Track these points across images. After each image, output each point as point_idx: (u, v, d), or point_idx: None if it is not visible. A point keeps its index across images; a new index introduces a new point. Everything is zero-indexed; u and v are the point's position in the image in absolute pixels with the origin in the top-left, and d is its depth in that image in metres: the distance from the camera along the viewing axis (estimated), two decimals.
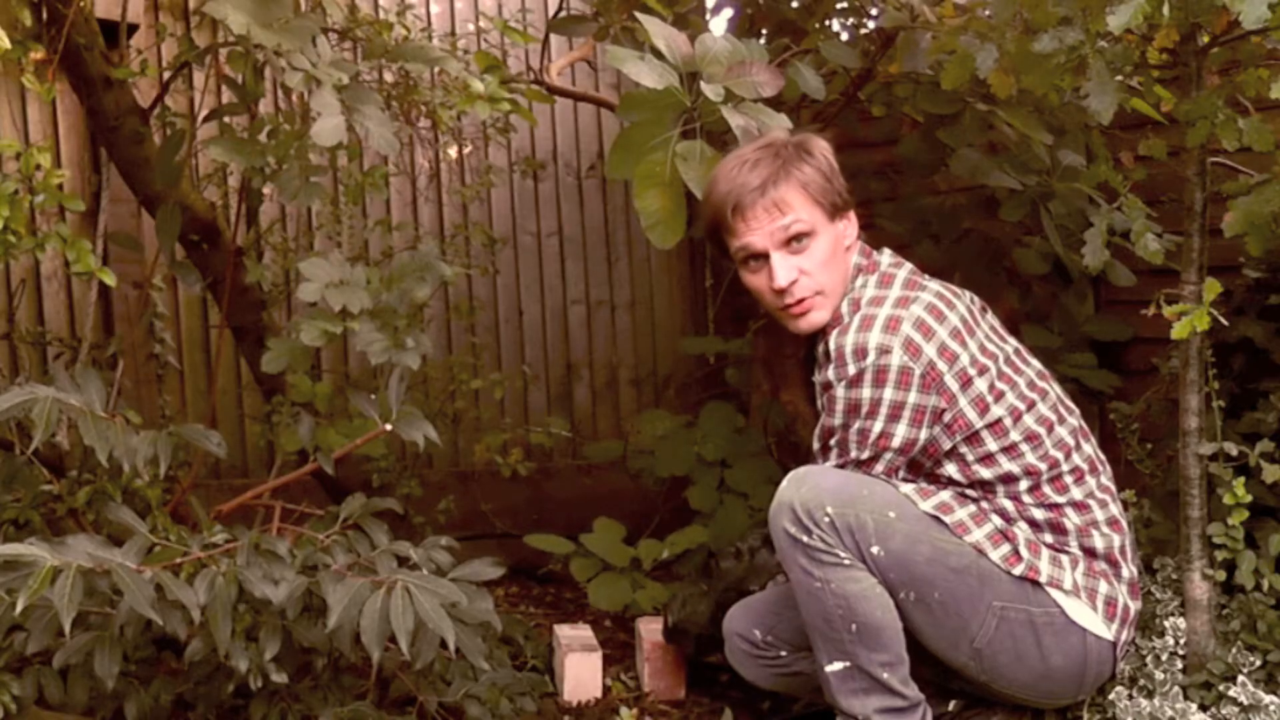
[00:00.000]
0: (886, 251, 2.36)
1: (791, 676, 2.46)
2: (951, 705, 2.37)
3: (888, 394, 2.16)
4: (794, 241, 2.24)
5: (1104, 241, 2.41)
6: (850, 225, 2.31)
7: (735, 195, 2.25)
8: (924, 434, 2.20)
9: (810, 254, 2.25)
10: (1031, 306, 3.45)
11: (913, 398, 2.17)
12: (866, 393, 2.17)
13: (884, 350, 2.16)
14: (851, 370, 2.18)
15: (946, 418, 2.19)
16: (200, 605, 2.12)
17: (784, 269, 2.25)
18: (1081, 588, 2.22)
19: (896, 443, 2.20)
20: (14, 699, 2.24)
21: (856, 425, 2.21)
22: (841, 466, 2.25)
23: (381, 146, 2.29)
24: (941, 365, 2.17)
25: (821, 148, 2.29)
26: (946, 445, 2.21)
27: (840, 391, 2.20)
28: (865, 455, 2.22)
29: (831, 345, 2.22)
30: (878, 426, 2.19)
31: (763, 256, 2.26)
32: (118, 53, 2.88)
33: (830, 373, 2.21)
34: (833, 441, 2.26)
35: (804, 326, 2.29)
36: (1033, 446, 2.22)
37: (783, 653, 2.44)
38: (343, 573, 2.25)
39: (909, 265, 2.34)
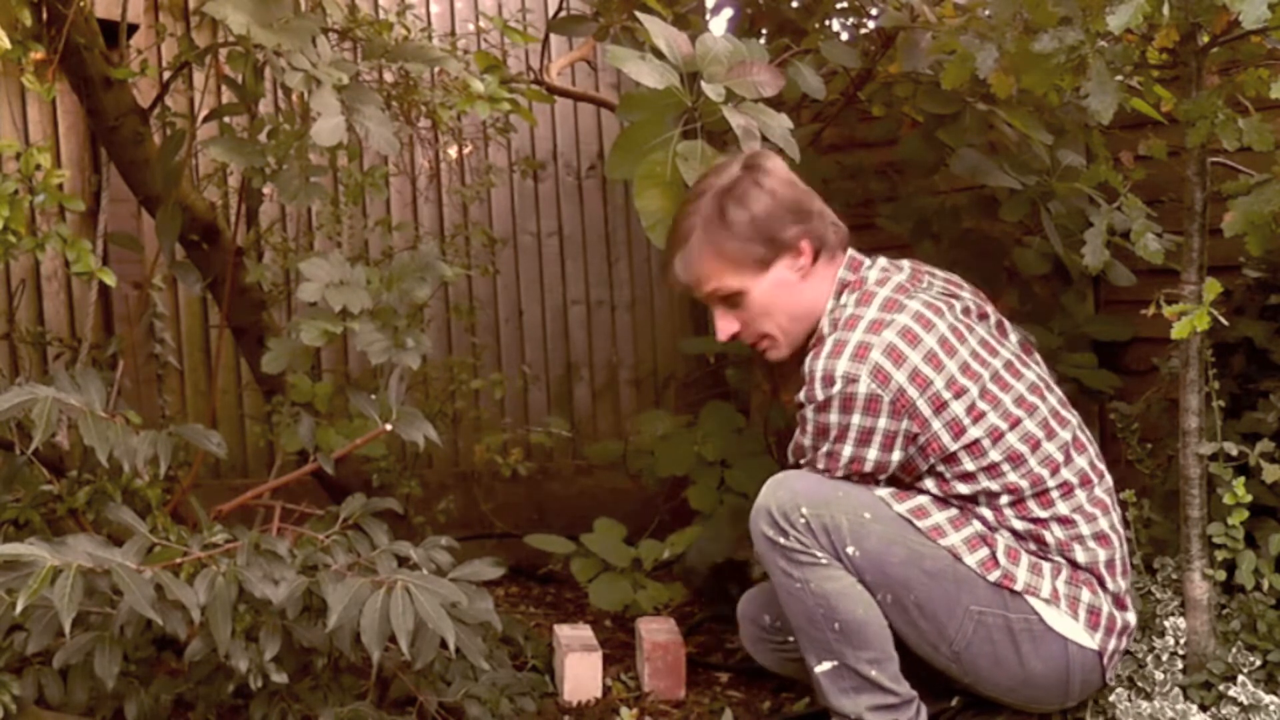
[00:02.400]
0: (879, 263, 2.32)
1: (799, 662, 2.46)
2: (955, 700, 2.37)
3: (855, 420, 2.17)
4: (726, 301, 2.28)
5: (1104, 241, 2.41)
6: (801, 256, 2.26)
7: (666, 261, 2.32)
8: (896, 456, 2.20)
9: (746, 309, 2.28)
10: (1031, 306, 3.44)
11: (882, 423, 2.16)
12: (834, 418, 2.18)
13: (850, 379, 2.15)
14: (820, 395, 2.18)
15: (920, 441, 2.19)
16: (200, 605, 2.12)
17: (722, 325, 2.31)
18: (1062, 596, 2.20)
19: (867, 466, 2.21)
20: (14, 699, 2.24)
21: (825, 448, 2.22)
22: None
23: (381, 146, 2.29)
24: (913, 392, 2.16)
25: (750, 192, 2.23)
26: (923, 466, 2.22)
27: (809, 414, 2.22)
28: (837, 476, 2.24)
29: (805, 367, 2.22)
30: (847, 450, 2.20)
31: None
32: (118, 53, 2.87)
33: (802, 394, 2.22)
34: (803, 460, 2.29)
35: (769, 360, 2.35)
36: (1014, 465, 2.19)
37: (790, 637, 2.44)
38: (343, 573, 2.25)
39: (900, 276, 2.29)
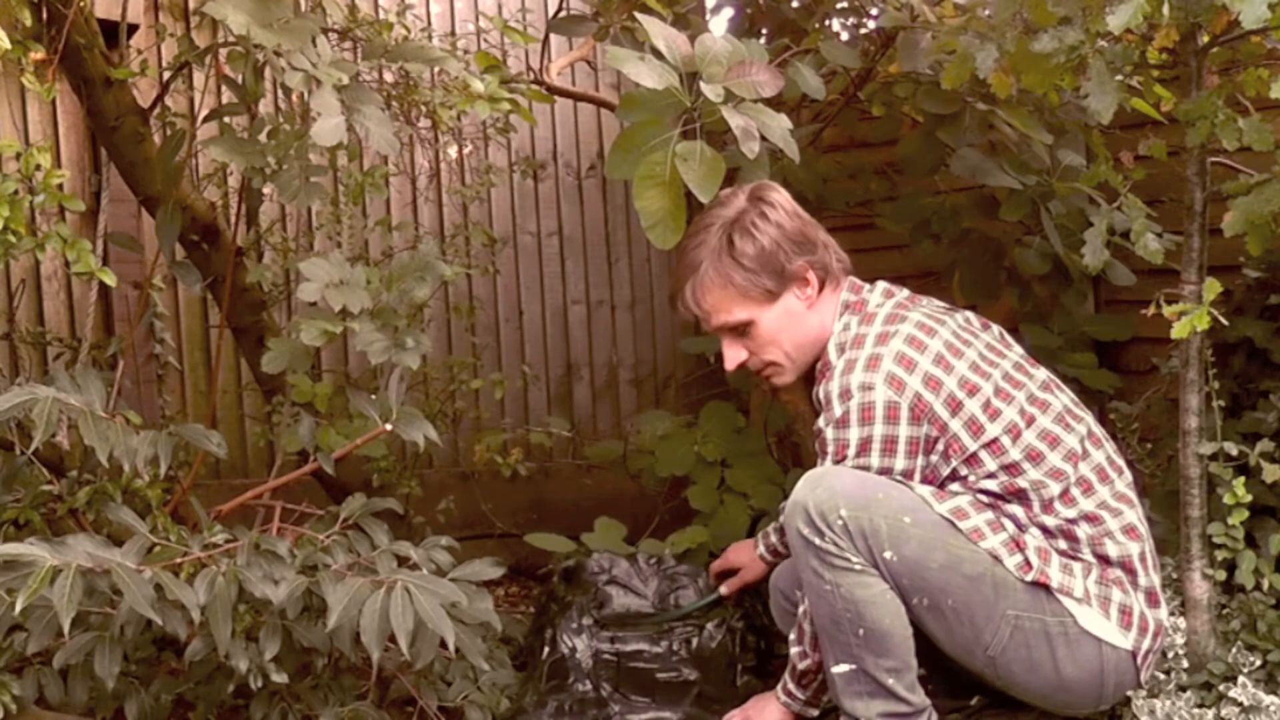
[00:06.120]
0: (879, 287, 2.37)
1: None
2: (974, 700, 2.36)
3: (877, 430, 2.18)
4: (735, 331, 2.33)
5: (1104, 241, 2.41)
6: (807, 286, 2.32)
7: (674, 291, 2.38)
8: (919, 462, 2.21)
9: (753, 338, 2.34)
10: (1031, 306, 3.45)
11: (903, 430, 2.18)
12: (854, 432, 2.19)
13: (866, 387, 2.18)
14: (838, 412, 2.20)
15: (940, 445, 2.20)
16: (200, 605, 2.12)
17: (729, 354, 2.37)
18: (1094, 596, 2.19)
19: (894, 479, 2.20)
20: (14, 699, 2.24)
21: (850, 465, 2.21)
22: None
23: (381, 146, 2.29)
24: (928, 395, 2.18)
25: (758, 224, 2.29)
26: (944, 470, 2.22)
27: (830, 434, 2.23)
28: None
29: (820, 394, 2.26)
30: (874, 462, 2.20)
31: None
32: (118, 53, 2.87)
33: (820, 420, 2.25)
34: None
35: (774, 388, 2.44)
36: (1034, 463, 2.20)
37: None
38: (343, 573, 2.25)
39: (898, 297, 2.35)
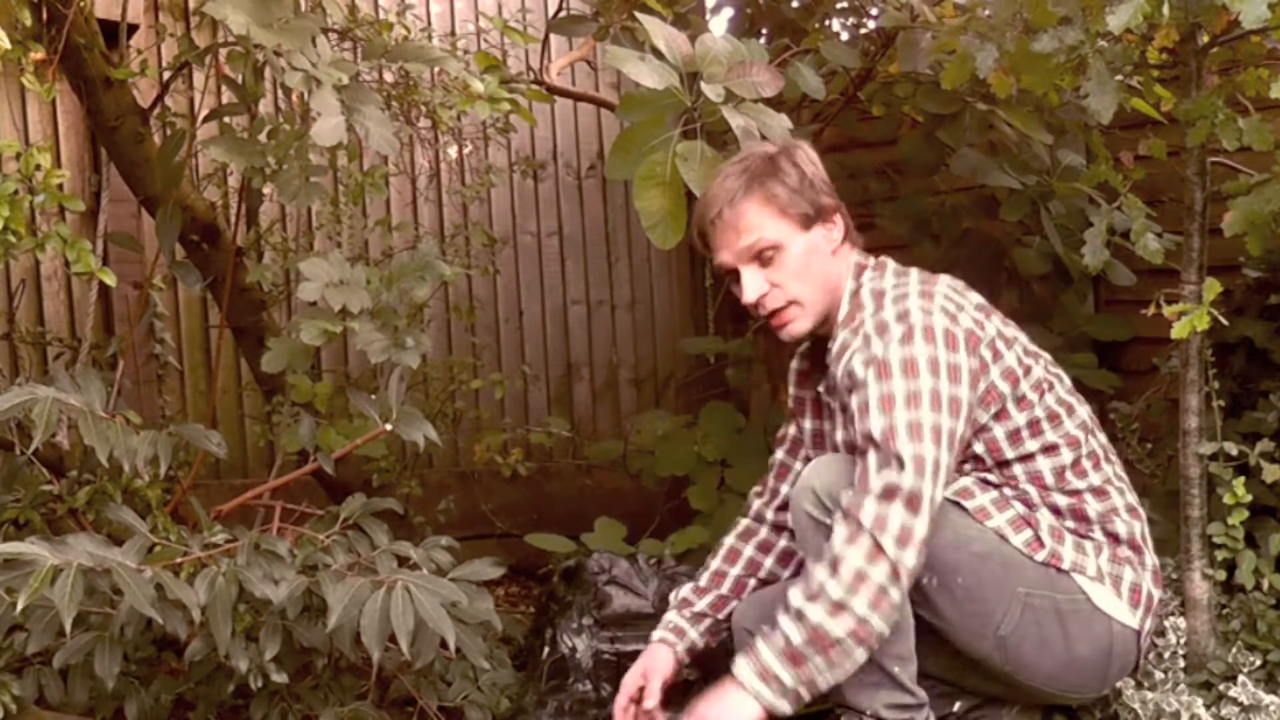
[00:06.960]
0: (893, 262, 2.35)
1: None
2: (956, 706, 2.35)
3: (941, 354, 2.10)
4: (761, 256, 2.24)
5: (1104, 241, 2.41)
6: (834, 229, 2.27)
7: (701, 216, 2.28)
8: (973, 397, 2.13)
9: (780, 267, 2.24)
10: (1031, 306, 3.45)
11: (963, 359, 2.12)
12: (921, 350, 2.09)
13: (925, 311, 2.13)
14: (899, 331, 2.11)
15: (981, 386, 2.16)
16: (200, 605, 2.12)
17: (751, 284, 2.25)
18: (1106, 574, 2.19)
19: (964, 407, 2.10)
20: (14, 699, 2.24)
21: (907, 387, 2.08)
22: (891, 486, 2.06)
23: (381, 146, 2.29)
24: (979, 332, 2.17)
25: (799, 157, 2.27)
26: (982, 419, 2.17)
27: (896, 353, 2.10)
28: (932, 424, 2.07)
29: (869, 324, 2.16)
30: (944, 387, 2.09)
31: (736, 271, 2.27)
32: (118, 53, 2.87)
33: (873, 346, 2.13)
34: (877, 431, 2.07)
35: (785, 337, 2.30)
36: (1054, 425, 2.20)
37: None
38: (343, 573, 2.25)
39: (917, 270, 2.34)
